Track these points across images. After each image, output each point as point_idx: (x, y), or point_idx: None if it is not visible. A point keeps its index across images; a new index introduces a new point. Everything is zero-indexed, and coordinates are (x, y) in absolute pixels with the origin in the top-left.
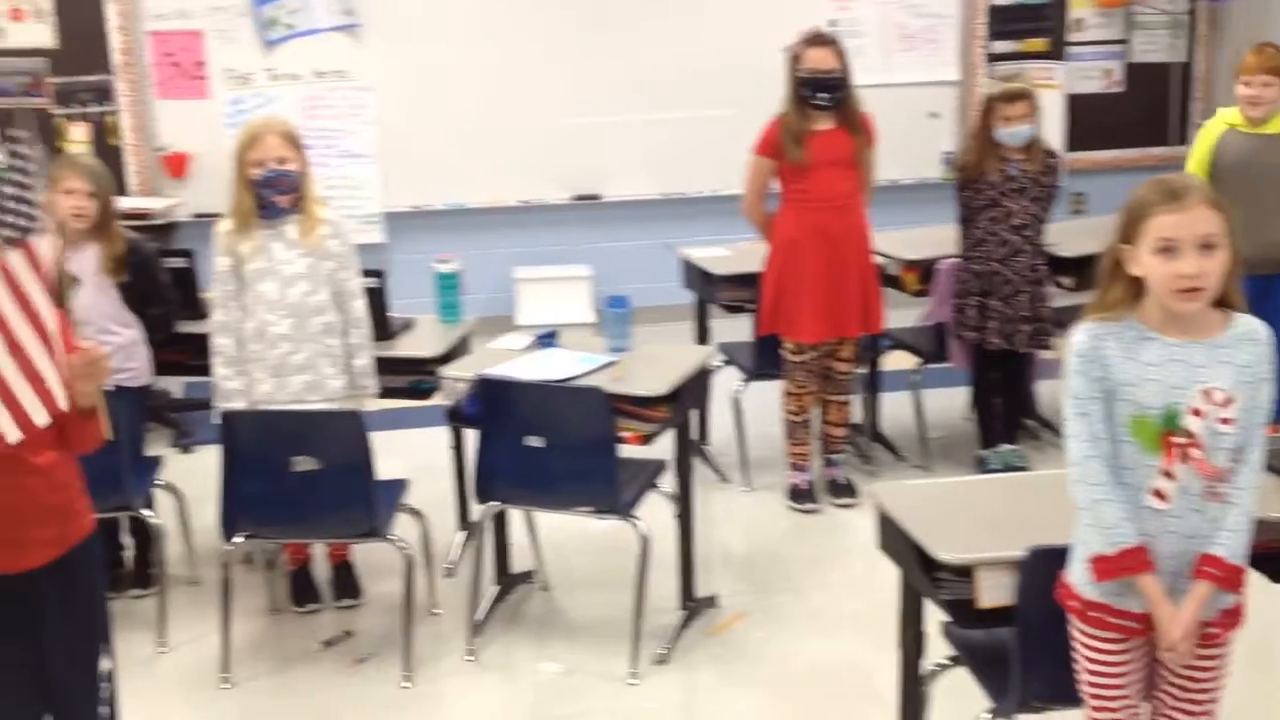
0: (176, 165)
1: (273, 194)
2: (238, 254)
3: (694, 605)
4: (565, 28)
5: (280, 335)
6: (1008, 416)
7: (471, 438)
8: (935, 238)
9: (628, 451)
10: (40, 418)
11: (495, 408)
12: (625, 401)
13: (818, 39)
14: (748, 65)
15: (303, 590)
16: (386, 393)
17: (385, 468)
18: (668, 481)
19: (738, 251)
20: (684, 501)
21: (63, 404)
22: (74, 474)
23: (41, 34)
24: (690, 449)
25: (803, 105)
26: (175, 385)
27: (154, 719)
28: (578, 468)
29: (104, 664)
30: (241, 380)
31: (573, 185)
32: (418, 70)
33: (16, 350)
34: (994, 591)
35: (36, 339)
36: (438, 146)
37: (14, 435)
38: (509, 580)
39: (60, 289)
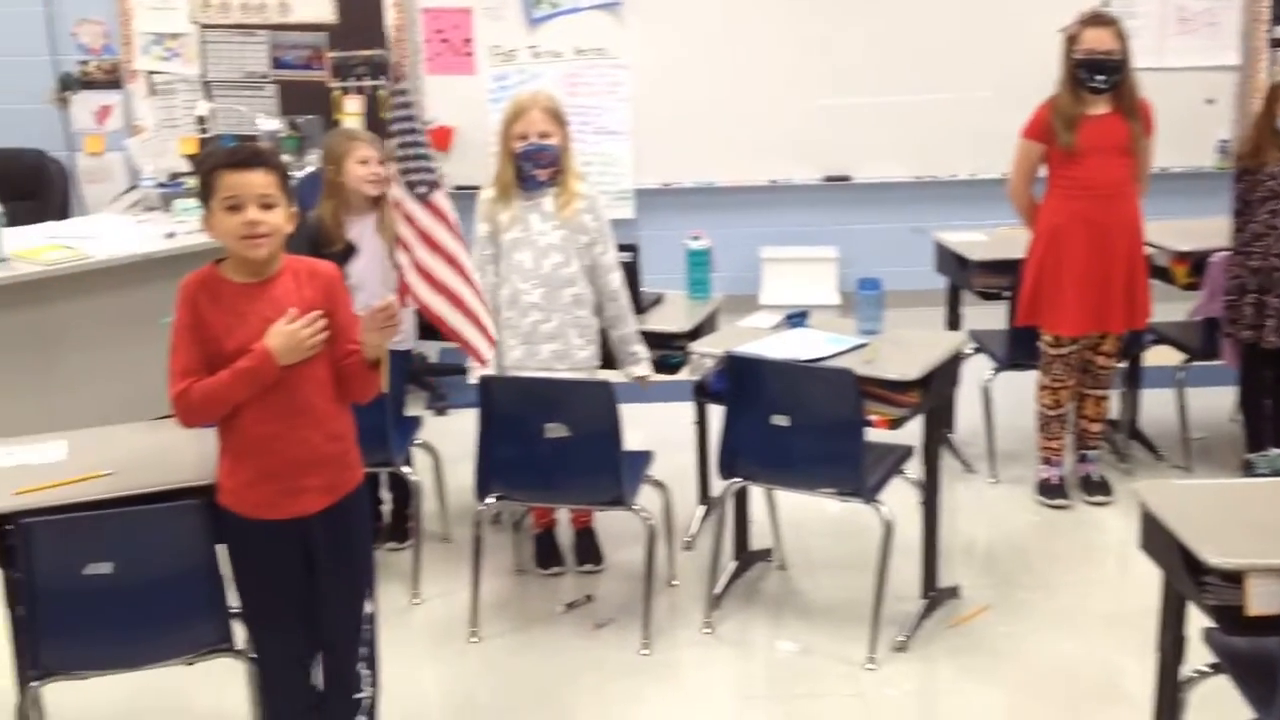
0: (442, 139)
1: (533, 167)
2: (496, 222)
3: (936, 595)
4: (822, 8)
5: (532, 304)
6: (1279, 419)
7: (716, 414)
8: (1208, 229)
9: (874, 435)
10: (487, 352)
11: (743, 385)
12: (874, 385)
13: (1097, 19)
14: (1008, 46)
15: (547, 553)
16: None
17: (630, 439)
18: (913, 468)
19: (995, 237)
20: (930, 489)
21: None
22: (349, 426)
23: (323, 9)
24: (939, 436)
25: (1077, 88)
26: (431, 350)
27: (406, 666)
28: (823, 449)
29: (367, 607)
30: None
31: (823, 166)
32: (674, 49)
33: (449, 294)
34: (1265, 599)
35: (465, 284)
36: (689, 125)
37: (490, 353)
38: (747, 557)
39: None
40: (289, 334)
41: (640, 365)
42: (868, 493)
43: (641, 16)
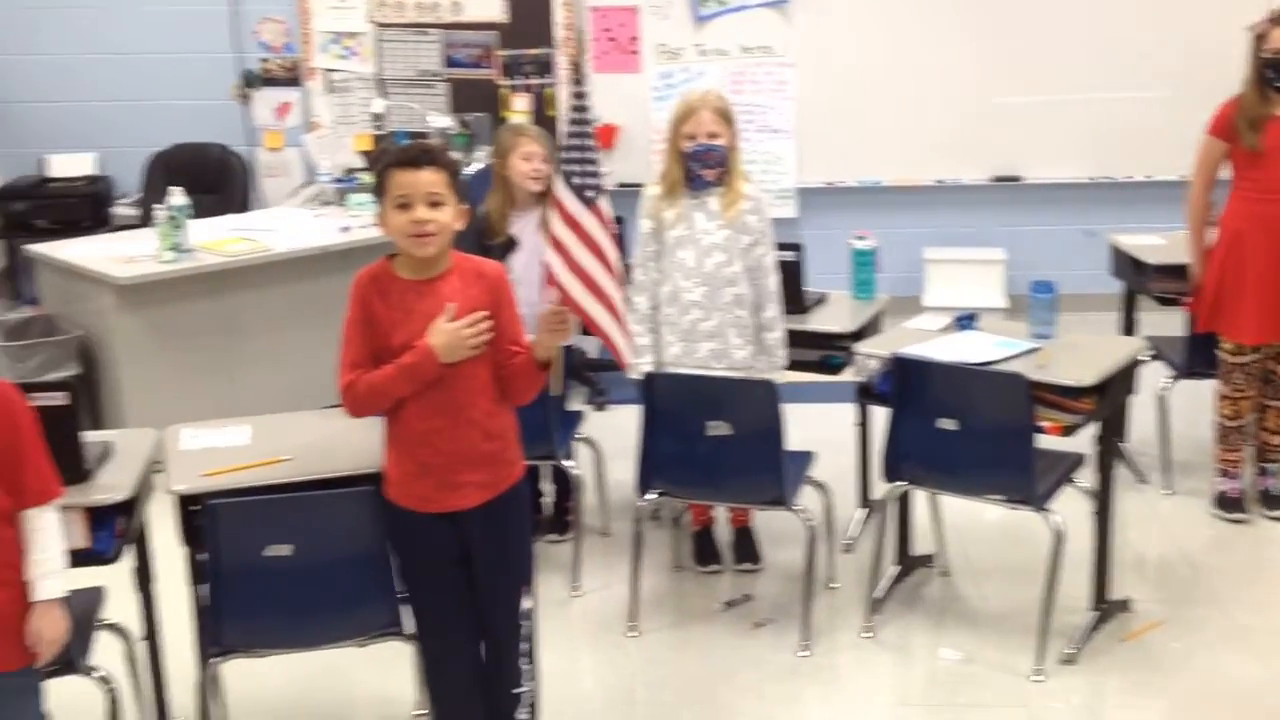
0: (606, 136)
1: (700, 167)
2: (661, 219)
3: (1106, 607)
4: (993, 5)
5: (692, 301)
6: None
7: (879, 415)
8: None
9: (1045, 442)
10: (630, 355)
11: (909, 387)
12: (1047, 390)
13: None
14: (1190, 42)
15: (705, 551)
16: (796, 365)
17: (791, 439)
18: (1085, 476)
19: (1174, 240)
20: (1103, 499)
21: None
22: (509, 425)
23: (494, 8)
24: (1113, 445)
25: (1264, 88)
26: (592, 346)
27: (565, 657)
28: (992, 454)
29: (526, 602)
30: (652, 339)
31: (991, 166)
32: (841, 46)
33: (601, 296)
34: None
35: (616, 287)
36: (854, 123)
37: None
38: (909, 561)
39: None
40: (450, 332)
41: (771, 372)
42: (1038, 500)
43: (809, 13)
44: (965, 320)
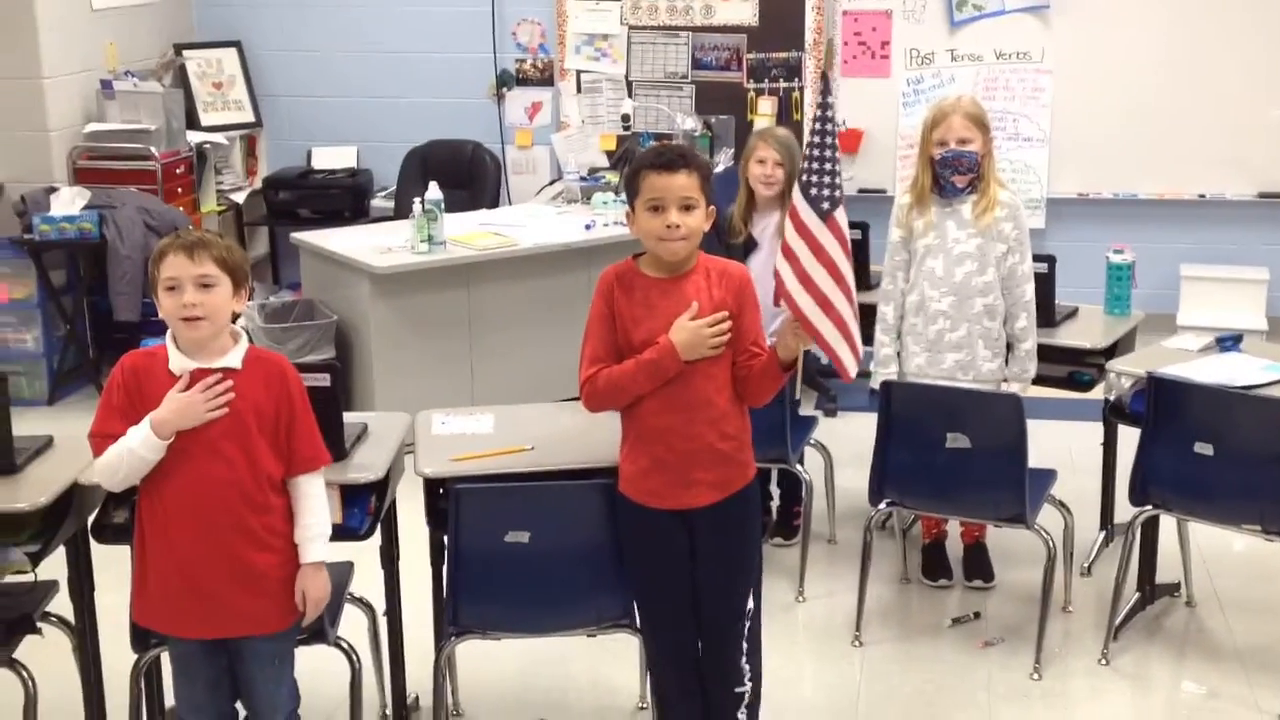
0: (850, 141)
1: (951, 173)
2: (911, 228)
3: None
4: (1270, 13)
5: (939, 311)
6: None
7: (1128, 436)
8: None
9: None
10: (853, 369)
11: (1164, 409)
12: None
13: None
14: None
15: (935, 564)
16: (1043, 380)
17: (1030, 456)
18: None
19: None
20: None
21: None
22: (744, 426)
23: (744, 11)
24: None
25: None
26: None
27: (788, 663)
28: (1252, 482)
29: (749, 603)
30: (896, 348)
31: (1260, 181)
32: (1103, 52)
33: (828, 308)
34: None
35: (845, 300)
36: (1113, 133)
37: (855, 371)
38: (1152, 589)
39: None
40: (693, 330)
41: (1017, 384)
42: None
43: (1070, 19)
44: (1228, 341)
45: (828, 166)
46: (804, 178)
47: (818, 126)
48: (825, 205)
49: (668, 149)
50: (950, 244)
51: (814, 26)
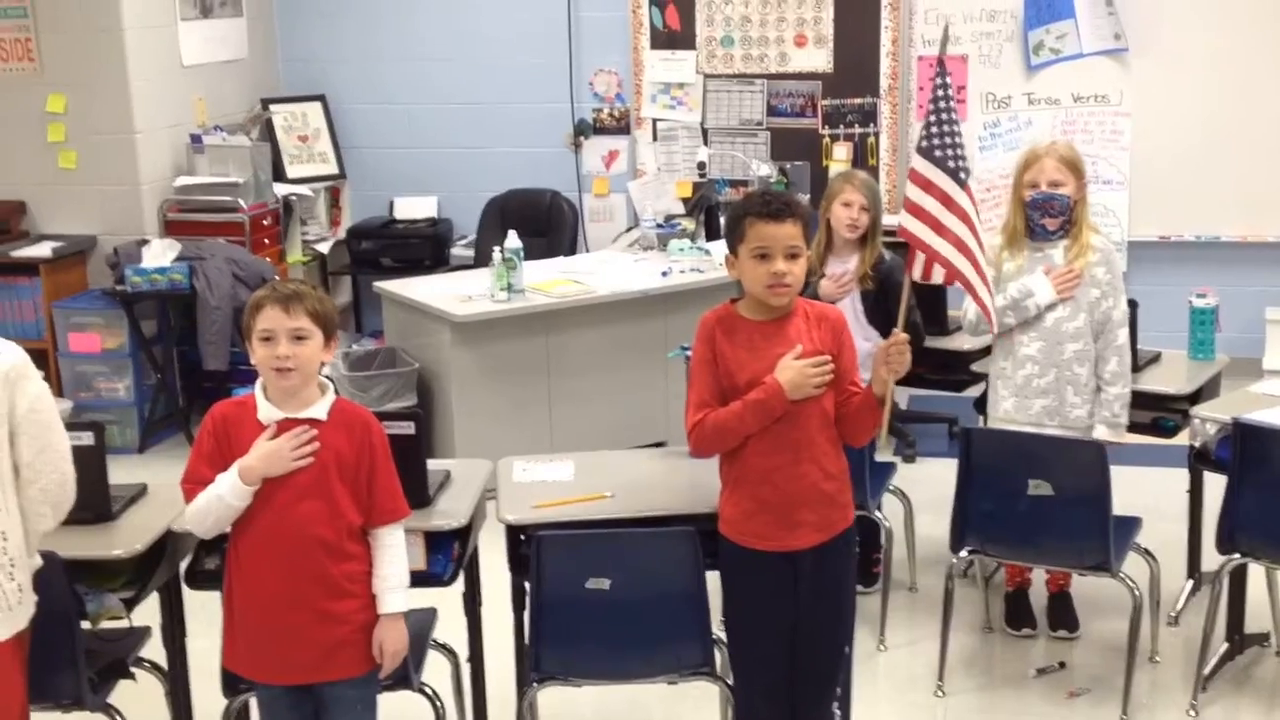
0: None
1: (1041, 216)
2: (1001, 271)
3: None
4: None
5: (1028, 356)
6: None
7: (1214, 483)
8: None
9: None
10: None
11: (1251, 455)
12: None
13: None
14: None
15: (1019, 613)
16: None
17: (1115, 503)
18: None
19: None
20: None
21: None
22: (845, 467)
23: (819, 59)
24: None
25: None
26: (902, 397)
27: (869, 712)
28: None
29: (845, 648)
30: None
31: None
32: (1180, 95)
33: (965, 250)
34: None
35: (979, 247)
36: (1194, 175)
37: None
38: (1241, 639)
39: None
40: (798, 369)
41: (1111, 430)
42: None
43: (1150, 61)
44: None
45: (949, 140)
46: (924, 143)
47: (938, 102)
48: (962, 175)
49: (774, 197)
50: None
51: (889, 72)
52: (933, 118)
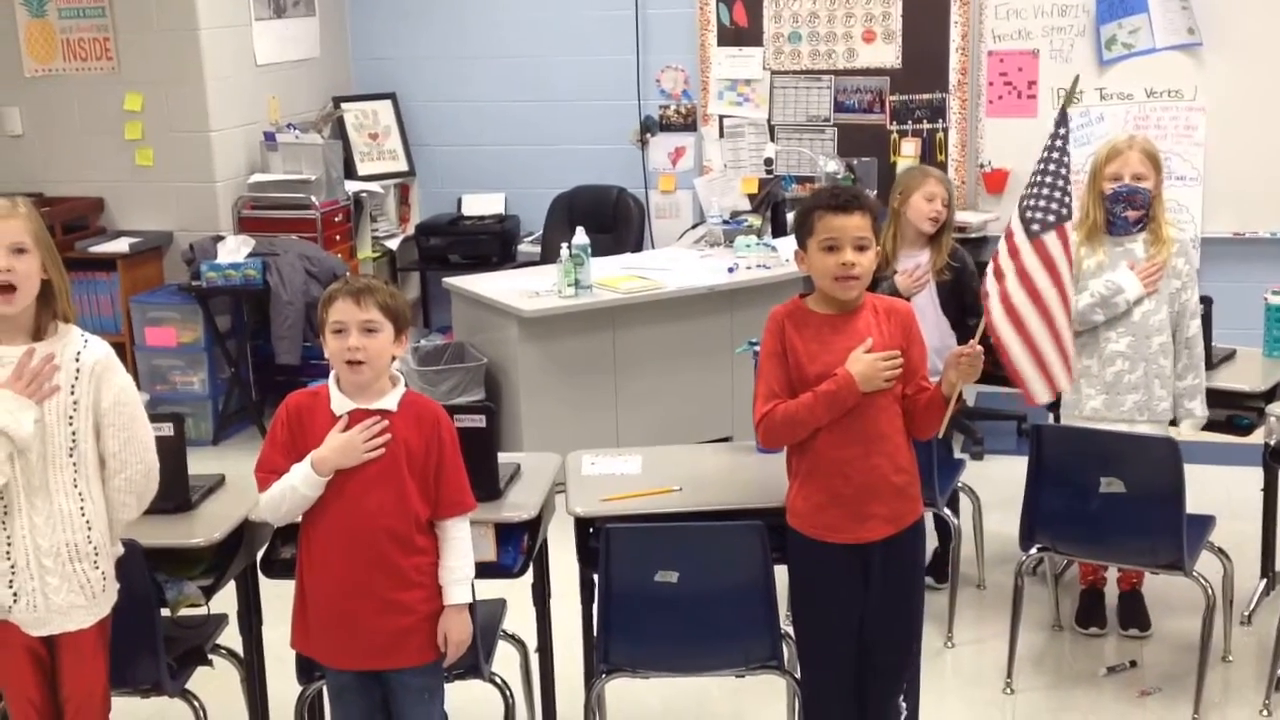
0: (996, 181)
1: (1124, 209)
2: (1080, 266)
3: None
4: None
5: (1117, 352)
6: None
7: None
8: None
9: None
10: (1063, 383)
11: None
12: None
13: None
14: None
15: (1090, 611)
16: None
17: (1188, 501)
18: None
19: None
20: None
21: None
22: (914, 461)
23: (887, 54)
24: None
25: None
26: (970, 394)
27: (937, 709)
28: None
29: (913, 642)
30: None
31: None
32: (1255, 90)
33: (1049, 320)
34: None
35: (1063, 312)
36: (1268, 171)
37: (1044, 398)
38: None
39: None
40: (869, 362)
41: (1189, 424)
42: None
43: (1224, 56)
44: None
45: (1049, 182)
46: (1023, 203)
47: (1049, 155)
48: (1035, 227)
49: (841, 190)
50: None
51: (958, 67)
52: (1042, 165)
